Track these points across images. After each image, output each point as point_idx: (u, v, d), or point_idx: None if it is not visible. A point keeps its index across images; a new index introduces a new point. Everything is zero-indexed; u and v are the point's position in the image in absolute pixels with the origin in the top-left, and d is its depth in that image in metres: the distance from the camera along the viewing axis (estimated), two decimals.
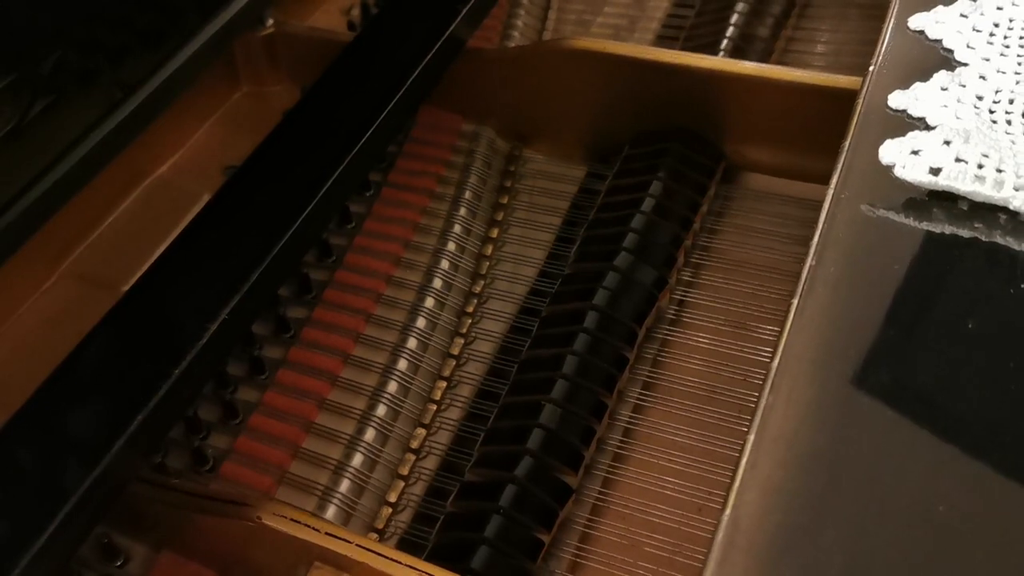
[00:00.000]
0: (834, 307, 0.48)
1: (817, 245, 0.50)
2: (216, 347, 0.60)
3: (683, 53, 0.86)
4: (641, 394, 0.75)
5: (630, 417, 0.74)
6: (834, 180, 0.54)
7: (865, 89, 0.59)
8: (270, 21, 0.95)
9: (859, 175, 0.53)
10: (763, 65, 0.85)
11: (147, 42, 0.74)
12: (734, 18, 0.99)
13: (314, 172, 0.69)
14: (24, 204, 0.65)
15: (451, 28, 0.80)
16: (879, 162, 0.54)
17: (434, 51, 0.78)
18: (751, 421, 0.44)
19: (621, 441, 0.73)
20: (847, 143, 0.56)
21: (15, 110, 0.57)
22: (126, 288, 0.81)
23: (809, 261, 0.49)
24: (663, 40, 1.06)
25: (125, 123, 0.73)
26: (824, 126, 0.82)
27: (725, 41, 0.98)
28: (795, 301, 0.48)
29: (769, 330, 0.78)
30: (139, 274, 0.80)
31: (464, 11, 0.82)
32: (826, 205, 0.53)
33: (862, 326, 0.46)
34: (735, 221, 0.87)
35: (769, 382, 0.45)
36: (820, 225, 0.51)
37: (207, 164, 0.92)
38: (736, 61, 0.85)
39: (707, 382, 0.76)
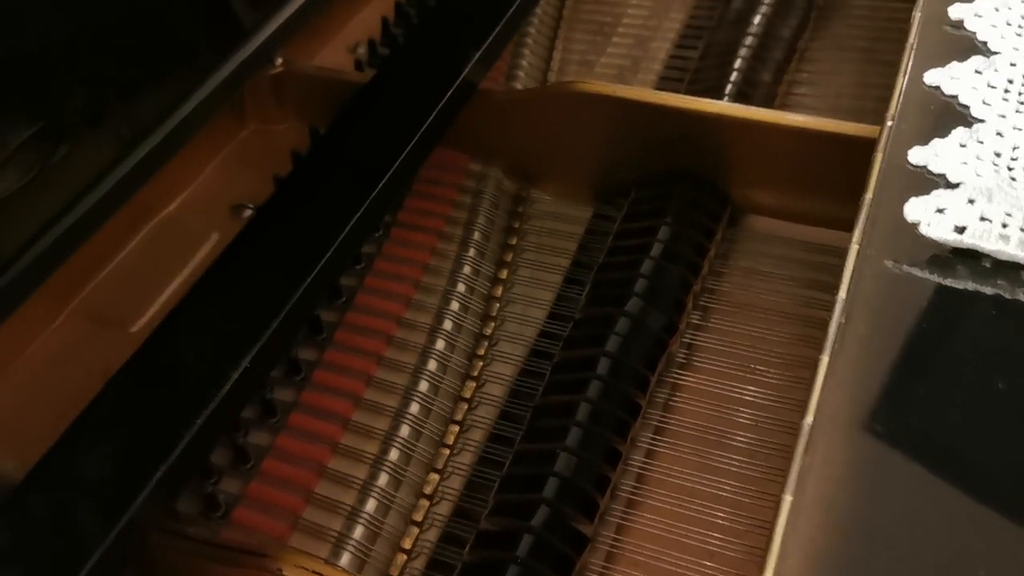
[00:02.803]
0: (865, 366, 0.48)
1: (845, 303, 0.50)
2: (237, 395, 0.60)
3: (690, 98, 0.87)
4: (653, 439, 0.75)
5: (642, 463, 0.74)
6: (856, 234, 0.55)
7: (884, 143, 0.60)
8: (279, 60, 0.95)
9: (883, 231, 0.54)
10: (770, 110, 0.86)
11: (161, 87, 0.74)
12: (738, 63, 1.01)
13: (332, 218, 0.70)
14: (41, 247, 0.65)
15: (464, 72, 0.81)
16: (902, 218, 0.55)
17: (448, 96, 0.79)
18: (786, 480, 0.44)
19: (634, 487, 0.73)
20: (868, 197, 0.56)
21: (37, 159, 0.57)
22: (135, 328, 0.82)
23: (837, 318, 0.50)
24: (666, 81, 1.07)
25: (140, 166, 0.73)
26: (829, 170, 0.84)
27: (729, 85, 0.99)
28: (824, 358, 0.48)
29: (777, 374, 0.78)
30: (149, 314, 0.82)
31: (476, 56, 0.82)
32: (851, 261, 0.53)
33: (894, 385, 0.47)
34: (740, 263, 0.88)
35: (803, 441, 0.45)
36: (846, 282, 0.52)
37: (215, 202, 0.92)
38: (742, 106, 0.86)
39: (717, 427, 0.76)
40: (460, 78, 0.81)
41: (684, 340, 0.81)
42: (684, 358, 0.80)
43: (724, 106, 0.86)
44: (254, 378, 0.61)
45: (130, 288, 0.84)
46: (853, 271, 0.52)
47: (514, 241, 0.91)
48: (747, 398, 0.77)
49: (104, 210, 0.71)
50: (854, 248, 0.53)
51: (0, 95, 0.50)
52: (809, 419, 0.46)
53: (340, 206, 0.71)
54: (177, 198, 0.92)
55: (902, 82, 0.63)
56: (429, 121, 0.76)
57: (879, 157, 0.58)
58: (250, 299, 0.65)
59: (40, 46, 0.54)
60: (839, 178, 0.83)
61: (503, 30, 0.87)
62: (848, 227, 0.85)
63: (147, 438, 0.56)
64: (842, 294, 0.51)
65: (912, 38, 0.68)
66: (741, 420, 0.76)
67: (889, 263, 0.52)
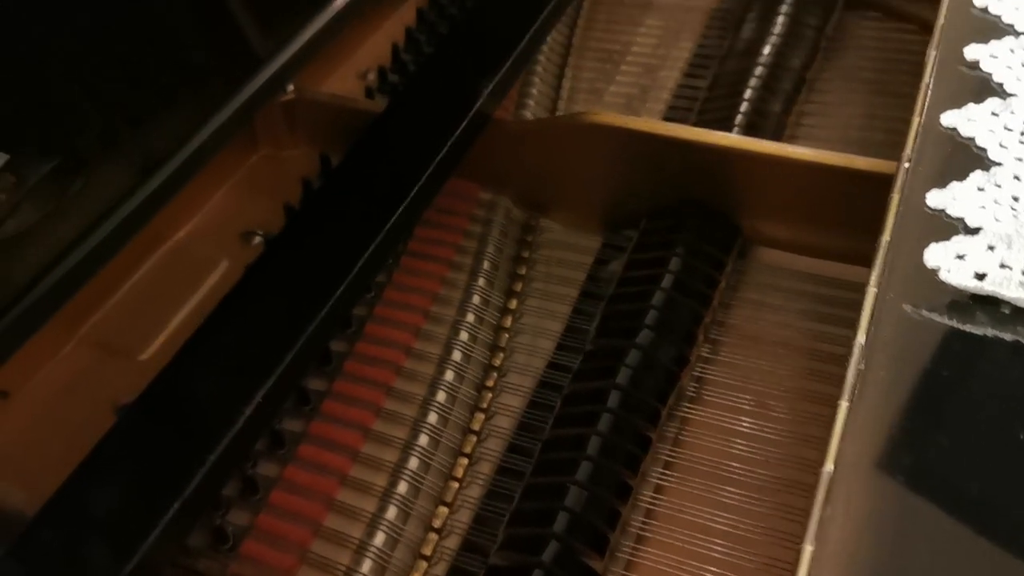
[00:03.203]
0: (885, 412, 0.48)
1: (865, 348, 0.50)
2: (250, 429, 0.59)
3: (701, 130, 0.87)
4: (662, 473, 0.75)
5: (652, 497, 0.74)
6: (874, 277, 0.55)
7: (900, 184, 0.60)
8: (290, 87, 0.95)
9: (901, 274, 0.54)
10: (781, 144, 0.86)
11: (176, 116, 0.74)
12: (748, 93, 1.01)
13: (345, 250, 0.69)
14: (54, 277, 0.65)
15: (478, 104, 0.81)
16: (920, 261, 0.55)
17: (462, 127, 0.79)
18: (806, 529, 0.44)
19: (644, 523, 0.72)
20: (885, 239, 0.56)
21: (54, 193, 0.57)
22: (144, 356, 0.81)
23: (856, 363, 0.50)
24: (675, 110, 1.07)
25: (153, 195, 0.73)
26: (840, 204, 0.84)
27: (739, 116, 0.99)
28: (844, 403, 0.48)
29: (787, 408, 0.78)
30: (159, 342, 0.82)
31: (490, 88, 0.82)
32: (869, 305, 0.53)
33: (915, 433, 0.47)
34: (750, 296, 0.88)
35: (823, 489, 0.45)
36: (865, 326, 0.52)
37: (225, 229, 0.92)
38: (754, 139, 0.86)
39: (726, 462, 0.76)
40: (474, 109, 0.81)
41: (694, 373, 0.81)
42: (694, 391, 0.80)
43: (735, 139, 0.86)
44: (267, 412, 0.61)
45: (139, 316, 0.84)
46: (871, 315, 0.52)
47: (523, 271, 0.91)
48: (757, 433, 0.77)
49: (117, 239, 0.71)
50: (872, 291, 0.53)
51: (21, 131, 0.50)
52: (829, 466, 0.45)
53: (353, 238, 0.71)
54: (187, 225, 0.92)
55: (918, 122, 0.63)
56: (443, 153, 0.76)
57: (896, 199, 0.58)
58: (263, 332, 0.65)
59: (60, 81, 0.54)
60: (850, 212, 0.84)
61: (517, 60, 0.87)
62: (858, 261, 0.86)
63: (160, 473, 0.56)
64: (861, 338, 0.51)
65: (928, 78, 0.68)
66: (751, 455, 0.75)
67: (908, 308, 0.52)
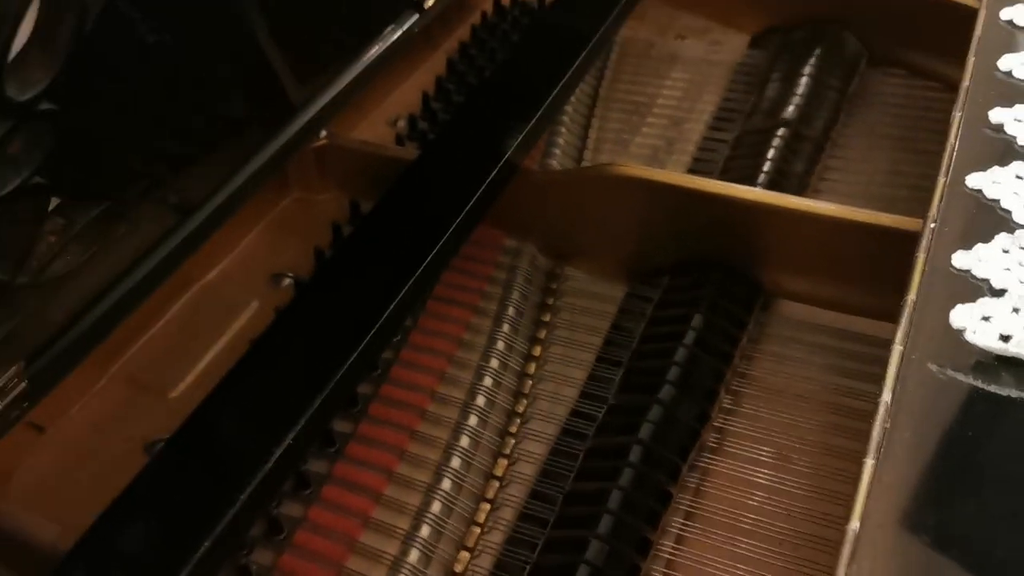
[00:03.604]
0: (912, 472, 0.49)
1: (891, 407, 0.51)
2: (280, 471, 0.60)
3: (726, 184, 0.89)
4: (683, 524, 0.75)
5: (672, 548, 0.74)
6: (899, 336, 0.55)
7: (926, 244, 0.61)
8: (323, 132, 0.97)
9: (927, 334, 0.55)
10: (806, 200, 0.87)
11: (215, 162, 0.76)
12: (771, 153, 1.02)
13: (376, 295, 0.71)
14: (92, 317, 0.66)
15: (507, 155, 0.82)
16: (946, 321, 0.56)
17: (491, 178, 0.80)
18: None
19: (664, 573, 0.73)
20: (911, 299, 0.57)
21: (98, 235, 0.58)
22: (174, 394, 0.83)
23: (882, 422, 0.50)
24: (700, 163, 1.09)
25: (188, 239, 0.74)
26: (863, 260, 0.85)
27: (762, 175, 1.00)
28: (869, 461, 0.49)
29: (807, 462, 0.78)
30: (188, 381, 0.83)
31: (519, 139, 0.84)
32: (894, 364, 0.54)
33: (941, 493, 0.47)
34: (771, 348, 0.88)
35: (849, 547, 0.46)
36: (890, 385, 0.52)
37: (255, 271, 0.94)
38: (779, 194, 0.88)
39: (748, 514, 0.76)
40: (503, 160, 0.82)
41: (715, 424, 0.81)
42: (715, 442, 0.81)
43: (760, 193, 0.88)
44: (296, 453, 0.62)
45: (169, 354, 0.86)
46: (897, 374, 0.53)
47: (547, 318, 0.92)
48: (778, 486, 0.77)
49: (153, 280, 0.72)
50: (897, 350, 0.54)
51: (72, 177, 0.51)
52: (855, 524, 0.46)
53: (383, 284, 0.72)
54: (217, 266, 0.94)
55: (943, 182, 0.64)
56: (472, 202, 0.78)
57: (921, 258, 0.59)
58: (294, 375, 0.66)
59: (108, 130, 0.56)
60: (873, 267, 0.85)
61: (546, 112, 0.89)
62: (880, 316, 0.87)
63: (191, 513, 0.57)
64: (886, 397, 0.52)
65: (953, 139, 0.69)
66: (772, 508, 0.76)
67: (933, 367, 0.53)
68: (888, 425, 0.50)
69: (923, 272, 0.59)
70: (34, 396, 0.63)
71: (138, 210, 0.65)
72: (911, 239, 0.78)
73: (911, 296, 0.58)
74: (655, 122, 1.15)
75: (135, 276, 0.70)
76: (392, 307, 0.70)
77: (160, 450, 0.61)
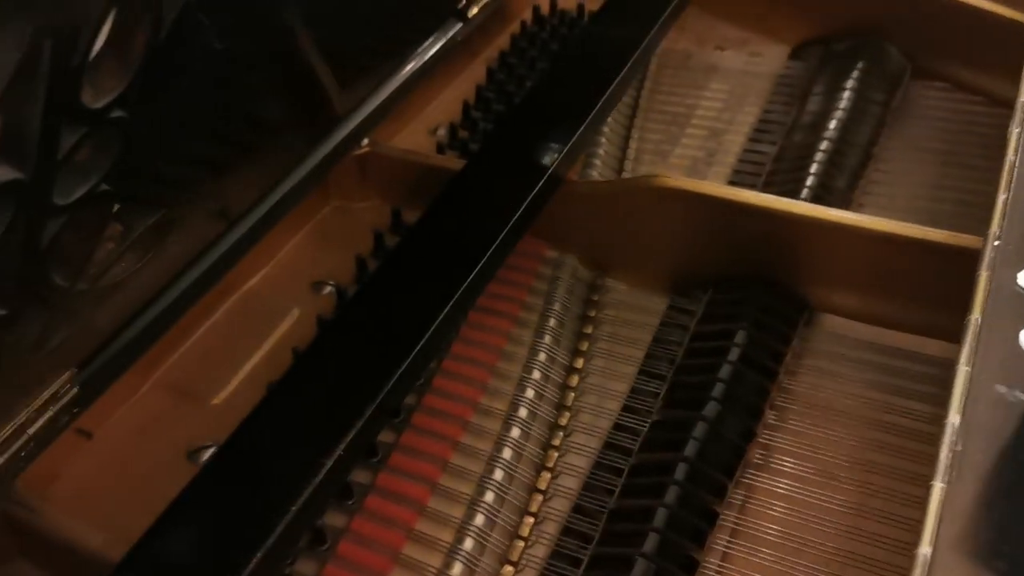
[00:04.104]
0: (983, 496, 0.48)
1: (960, 429, 0.50)
2: (330, 482, 0.60)
3: (772, 197, 0.88)
4: (728, 542, 0.74)
5: (718, 566, 0.73)
6: (964, 356, 0.54)
7: (988, 261, 0.60)
8: (365, 140, 0.97)
9: (993, 354, 0.54)
10: (856, 214, 0.86)
11: (263, 172, 0.76)
12: (813, 167, 1.01)
13: (424, 306, 0.70)
14: (142, 324, 0.67)
15: (552, 167, 0.82)
16: (1013, 342, 0.55)
17: (536, 190, 0.80)
18: None
19: None
20: (975, 318, 0.56)
21: (152, 243, 0.58)
22: (216, 401, 0.83)
23: (950, 443, 0.49)
24: (740, 175, 1.08)
25: (234, 247, 0.74)
26: (913, 276, 0.84)
27: (805, 191, 0.99)
28: (939, 484, 0.48)
29: (853, 479, 0.77)
30: (230, 388, 0.83)
31: (566, 150, 0.83)
32: (960, 384, 0.53)
33: (1015, 519, 0.46)
34: (815, 363, 0.87)
35: (920, 574, 0.45)
36: (958, 406, 0.51)
37: (296, 278, 0.94)
38: (826, 209, 0.86)
39: (794, 532, 0.75)
40: (549, 172, 0.82)
41: (760, 440, 0.80)
42: (761, 459, 0.80)
43: (808, 207, 0.86)
44: (346, 464, 0.61)
45: (211, 361, 0.86)
46: (966, 396, 0.52)
47: (589, 330, 0.91)
48: (823, 503, 0.76)
49: (200, 288, 0.72)
50: (963, 371, 0.53)
51: (132, 184, 0.51)
52: (927, 549, 0.45)
53: (431, 296, 0.72)
54: (259, 273, 0.94)
55: (1004, 199, 0.63)
56: (518, 214, 0.78)
57: (984, 276, 0.58)
58: (343, 387, 0.65)
59: (164, 139, 0.56)
60: (923, 284, 0.84)
61: (591, 123, 0.88)
62: (929, 333, 0.86)
63: (241, 526, 0.57)
64: (955, 419, 0.51)
65: (1012, 155, 0.68)
66: (818, 527, 0.75)
67: (1002, 388, 0.52)
68: (959, 448, 0.49)
69: (987, 291, 0.58)
70: (84, 402, 0.63)
71: (190, 217, 0.65)
72: (965, 255, 0.77)
73: (975, 315, 0.57)
74: (695, 133, 1.14)
75: (183, 283, 0.71)
76: (439, 320, 0.70)
77: (209, 461, 0.60)
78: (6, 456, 0.56)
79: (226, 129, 0.67)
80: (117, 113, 0.42)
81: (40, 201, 0.40)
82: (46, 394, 0.57)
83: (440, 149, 1.06)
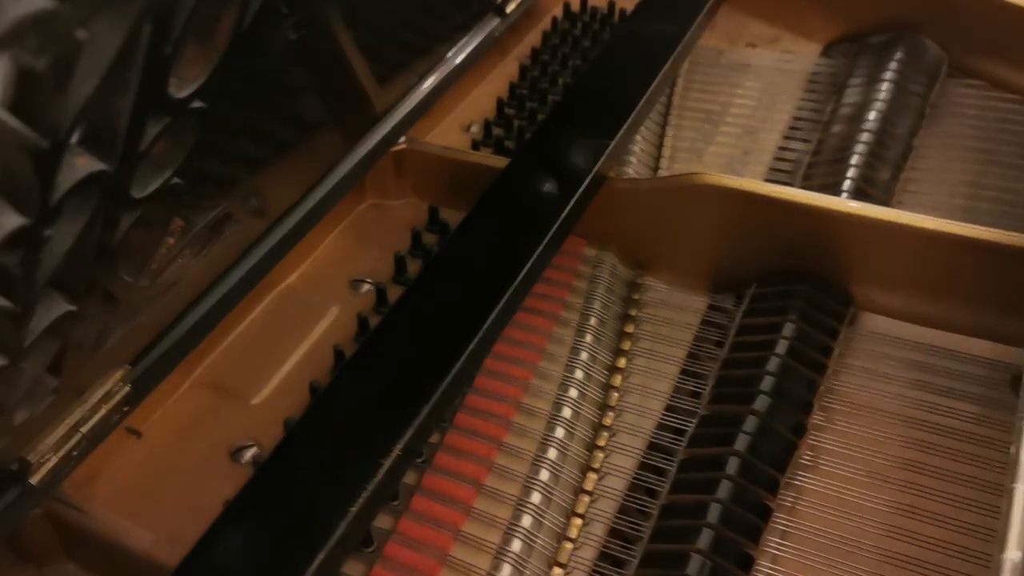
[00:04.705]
0: None
1: None
2: (388, 482, 0.59)
3: (818, 195, 0.87)
4: (779, 544, 0.73)
5: (770, 568, 0.72)
6: None
7: None
8: (402, 137, 0.96)
9: None
10: (902, 212, 0.85)
11: (306, 170, 0.75)
12: (855, 160, 1.00)
13: (473, 307, 0.70)
14: (191, 321, 0.66)
15: (598, 165, 0.81)
16: None
17: (582, 189, 0.79)
18: None
19: None
20: None
21: (207, 240, 0.58)
22: (256, 400, 0.82)
23: None
24: (776, 173, 1.07)
25: (278, 245, 0.74)
26: (960, 274, 0.83)
27: (847, 182, 0.98)
28: (1020, 487, 0.47)
29: (900, 480, 0.76)
30: (271, 386, 0.82)
31: (609, 148, 0.82)
32: None
33: None
34: (860, 363, 0.86)
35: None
36: None
37: (334, 276, 0.93)
38: (874, 207, 0.85)
39: (846, 535, 0.74)
40: (593, 171, 0.81)
41: (808, 441, 0.79)
42: (809, 460, 0.79)
43: (857, 206, 0.85)
44: (403, 466, 0.60)
45: (251, 360, 0.85)
46: None
47: (631, 329, 0.90)
48: (872, 504, 0.75)
49: (246, 285, 0.72)
50: None
51: (199, 179, 0.50)
52: (1015, 553, 0.44)
53: (477, 299, 0.71)
54: (296, 270, 0.93)
55: None
56: (564, 214, 0.77)
57: None
58: (396, 387, 0.64)
59: (232, 133, 0.55)
60: (971, 283, 0.83)
61: (635, 120, 0.87)
62: (976, 333, 0.85)
63: (300, 529, 0.56)
64: None
65: None
66: (870, 530, 0.74)
67: None
68: None
69: None
70: (134, 400, 0.62)
71: (240, 214, 0.64)
72: (1014, 255, 0.77)
73: None
74: (729, 131, 1.13)
75: (230, 280, 0.70)
76: (488, 322, 0.69)
77: (265, 461, 0.59)
78: (60, 455, 0.55)
79: (278, 125, 0.66)
80: (197, 104, 0.41)
81: (119, 194, 0.39)
82: (100, 392, 0.56)
83: (474, 146, 1.05)
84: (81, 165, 0.35)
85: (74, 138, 0.34)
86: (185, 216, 0.51)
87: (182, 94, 0.39)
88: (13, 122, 0.30)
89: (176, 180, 0.43)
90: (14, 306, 0.36)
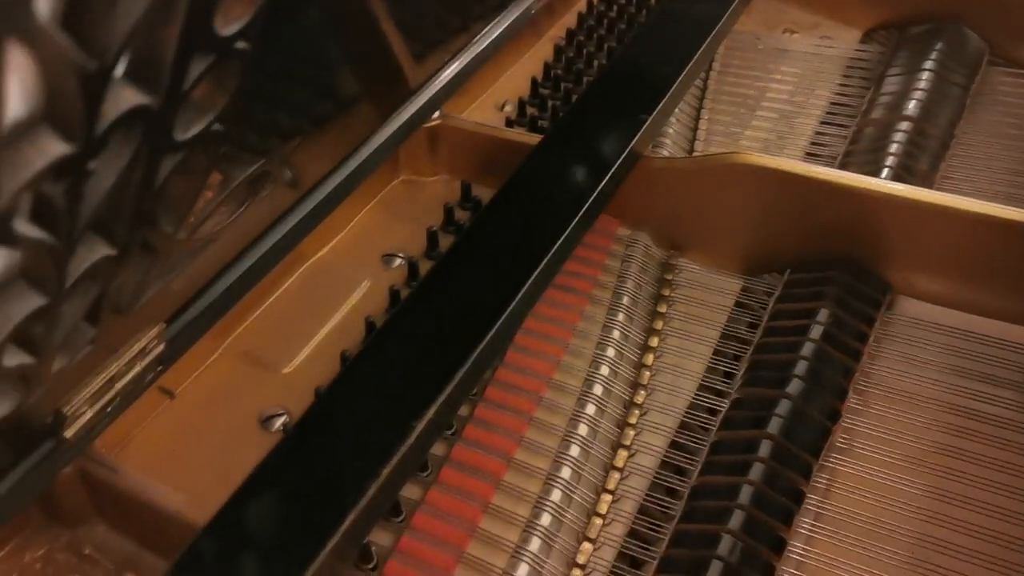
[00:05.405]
0: None
1: None
2: (420, 446, 0.59)
3: (862, 177, 0.85)
4: (813, 525, 0.72)
5: (803, 549, 0.71)
6: None
7: None
8: (436, 113, 0.96)
9: None
10: (947, 195, 0.83)
11: (341, 139, 0.75)
12: (894, 147, 0.99)
13: (504, 282, 0.69)
14: (226, 283, 0.66)
15: (633, 143, 0.80)
16: None
17: (616, 165, 0.78)
18: None
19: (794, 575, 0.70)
20: None
21: (244, 197, 0.57)
22: (287, 369, 0.82)
23: None
24: (812, 158, 1.05)
25: (311, 214, 0.73)
26: (1003, 259, 0.81)
27: (886, 171, 0.97)
28: None
29: (936, 465, 0.75)
30: (301, 356, 0.82)
31: (645, 127, 0.82)
32: None
33: None
34: (897, 348, 0.85)
35: None
36: None
37: (365, 249, 0.93)
38: (917, 188, 0.84)
39: (880, 518, 0.73)
40: (628, 148, 0.80)
41: (844, 424, 0.78)
42: (845, 443, 0.77)
43: (900, 187, 0.84)
44: (435, 431, 0.60)
45: (281, 330, 0.85)
46: None
47: (663, 309, 0.89)
48: (906, 488, 0.74)
49: (279, 251, 0.71)
50: None
51: (239, 128, 0.50)
52: None
53: (508, 275, 0.70)
54: (328, 243, 0.93)
55: None
56: (597, 191, 0.76)
57: None
58: (427, 357, 0.64)
59: (272, 83, 0.55)
60: (1013, 268, 0.81)
61: (671, 99, 0.86)
62: (1012, 319, 0.83)
63: (328, 495, 0.55)
64: None
65: None
66: (904, 513, 0.73)
67: None
68: None
69: None
70: (168, 359, 0.62)
71: (276, 175, 0.64)
72: None
73: None
74: (765, 115, 1.12)
75: (264, 245, 0.70)
76: (518, 297, 0.68)
77: (296, 424, 0.59)
78: (95, 410, 0.55)
79: (315, 89, 0.66)
80: (241, 44, 0.41)
81: (162, 133, 0.39)
82: (136, 348, 0.56)
83: (508, 125, 1.05)
84: (126, 97, 0.34)
85: (120, 69, 0.33)
86: (224, 170, 0.51)
87: (227, 31, 0.39)
88: (62, 38, 0.29)
89: (217, 126, 0.43)
90: (56, 241, 0.36)
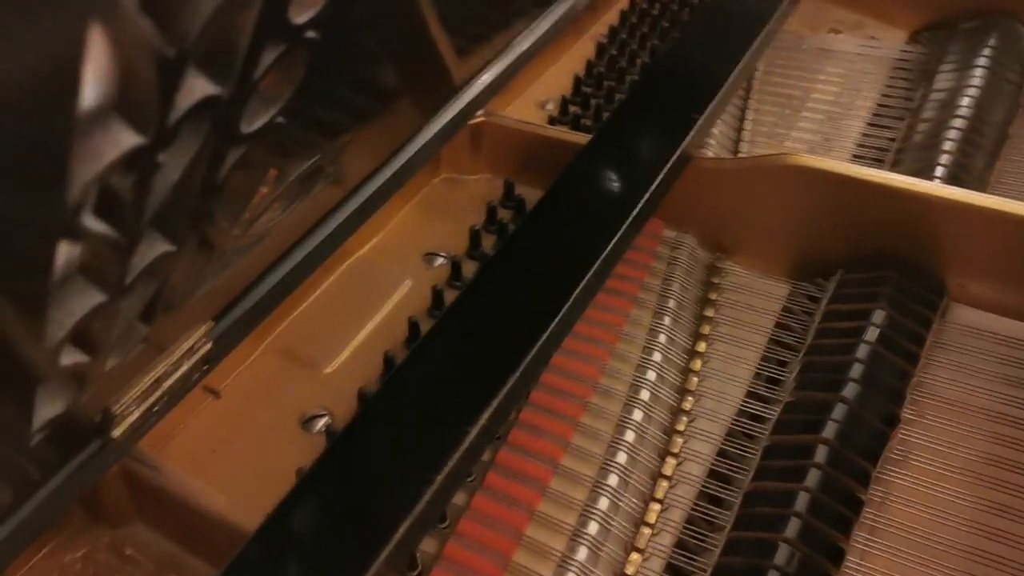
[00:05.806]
0: None
1: None
2: (476, 448, 0.57)
3: (915, 180, 0.83)
4: (868, 539, 0.70)
5: (858, 563, 0.69)
6: None
7: None
8: (480, 110, 0.94)
9: None
10: (1004, 199, 0.81)
11: (384, 140, 0.74)
12: (947, 145, 0.97)
13: (557, 283, 0.67)
14: (272, 281, 0.64)
15: (684, 144, 0.78)
16: None
17: (667, 168, 0.76)
18: None
19: None
20: None
21: (298, 193, 0.56)
22: (328, 369, 0.80)
23: None
24: (860, 160, 1.03)
25: (355, 214, 0.72)
26: None
27: (940, 169, 0.94)
28: None
29: (994, 480, 0.73)
30: (343, 356, 0.80)
31: (696, 127, 0.80)
32: None
33: None
34: (949, 357, 0.83)
35: None
36: None
37: (406, 248, 0.91)
38: (972, 192, 0.82)
39: (935, 532, 0.71)
40: (680, 150, 0.78)
41: (899, 435, 0.76)
42: (900, 455, 0.75)
43: (955, 191, 0.82)
44: (487, 437, 0.58)
45: (323, 330, 0.83)
46: None
47: (710, 313, 0.87)
48: (961, 502, 0.72)
49: (324, 250, 0.70)
50: None
51: (299, 122, 0.49)
52: None
53: (559, 279, 0.69)
54: (369, 242, 0.91)
55: None
56: (648, 194, 0.74)
57: None
58: (479, 360, 0.63)
59: (332, 77, 0.54)
60: None
61: (721, 99, 0.84)
62: None
63: (384, 497, 0.54)
64: None
65: None
66: (961, 528, 0.71)
67: None
68: None
69: None
70: (214, 359, 0.61)
71: (326, 172, 0.62)
72: None
73: None
74: (811, 116, 1.10)
75: (309, 244, 0.68)
76: (568, 303, 0.66)
77: (345, 428, 0.58)
78: (142, 409, 0.54)
79: (367, 85, 0.65)
80: (310, 34, 0.39)
81: (229, 125, 0.38)
82: (184, 346, 0.55)
83: (550, 123, 1.03)
84: (199, 86, 0.33)
85: (194, 57, 0.32)
86: (280, 165, 0.49)
87: (299, 20, 0.38)
88: (144, 21, 0.28)
89: (280, 119, 0.42)
90: (120, 237, 0.35)
